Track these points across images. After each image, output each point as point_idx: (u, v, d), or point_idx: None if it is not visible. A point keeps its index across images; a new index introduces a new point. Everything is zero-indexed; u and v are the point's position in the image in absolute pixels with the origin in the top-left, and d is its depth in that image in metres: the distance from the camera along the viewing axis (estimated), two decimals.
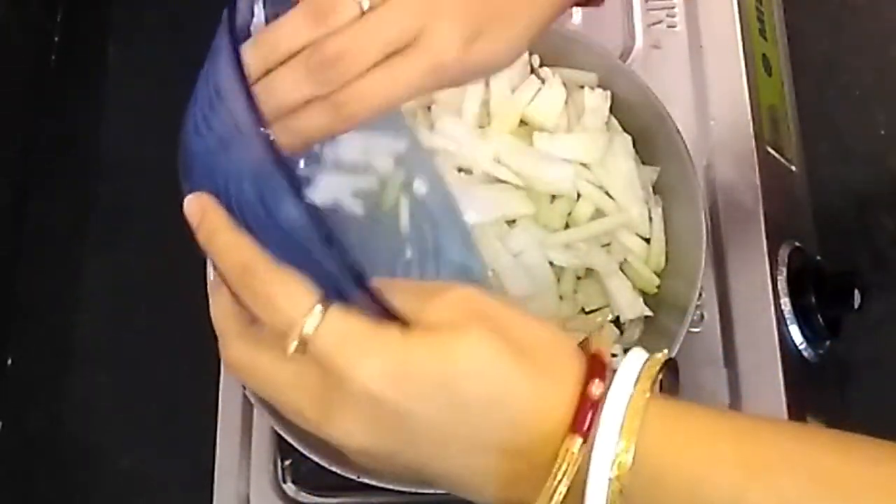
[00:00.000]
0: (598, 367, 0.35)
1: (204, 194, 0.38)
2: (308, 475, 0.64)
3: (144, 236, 0.77)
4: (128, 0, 0.84)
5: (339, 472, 0.56)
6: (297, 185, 0.34)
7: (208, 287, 0.40)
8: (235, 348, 0.37)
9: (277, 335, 0.35)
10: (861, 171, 0.78)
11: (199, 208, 0.38)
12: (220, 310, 0.38)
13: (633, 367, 0.35)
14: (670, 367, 0.36)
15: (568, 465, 0.33)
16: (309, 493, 0.65)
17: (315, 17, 0.41)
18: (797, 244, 0.68)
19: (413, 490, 0.56)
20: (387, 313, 0.35)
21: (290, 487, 0.65)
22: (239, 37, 0.38)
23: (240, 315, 0.38)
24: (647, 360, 0.35)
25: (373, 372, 0.33)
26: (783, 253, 0.66)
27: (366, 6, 0.41)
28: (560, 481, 0.33)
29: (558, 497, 0.33)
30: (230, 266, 0.36)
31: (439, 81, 0.43)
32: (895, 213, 0.76)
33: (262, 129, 0.34)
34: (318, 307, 0.34)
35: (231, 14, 0.38)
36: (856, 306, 0.64)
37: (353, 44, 0.40)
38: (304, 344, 0.34)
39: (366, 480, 0.56)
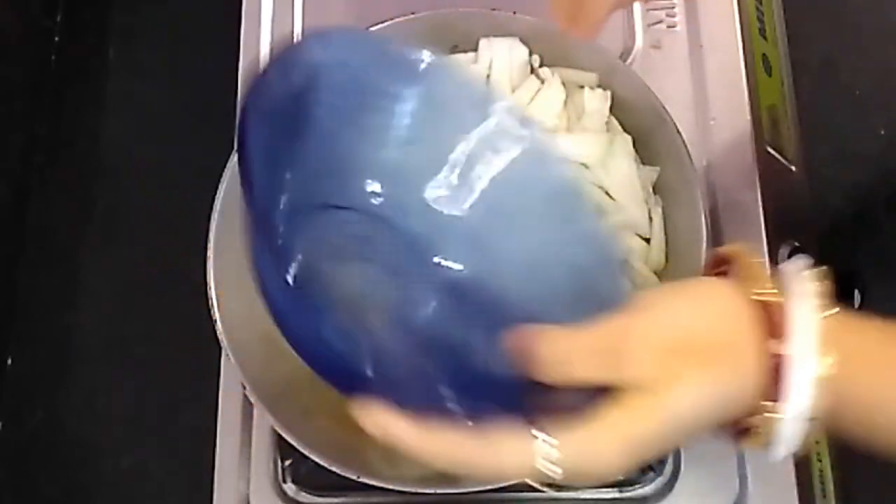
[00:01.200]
0: (768, 325, 0.37)
1: (380, 411, 0.37)
2: (308, 475, 0.64)
3: (144, 236, 0.77)
4: (128, 0, 0.84)
5: (339, 472, 0.56)
6: None
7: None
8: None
9: None
10: (861, 171, 0.77)
11: (382, 423, 0.37)
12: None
13: (807, 288, 0.38)
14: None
15: (764, 428, 0.37)
16: (309, 493, 0.65)
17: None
18: (797, 244, 0.68)
19: (413, 490, 0.56)
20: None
21: (290, 487, 0.65)
22: None
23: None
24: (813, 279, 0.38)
25: (610, 469, 0.37)
26: (783, 253, 0.66)
27: None
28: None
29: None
30: (446, 463, 0.37)
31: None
32: (895, 213, 0.76)
33: None
34: (538, 440, 0.36)
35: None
36: (856, 306, 0.64)
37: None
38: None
39: (365, 480, 0.56)
